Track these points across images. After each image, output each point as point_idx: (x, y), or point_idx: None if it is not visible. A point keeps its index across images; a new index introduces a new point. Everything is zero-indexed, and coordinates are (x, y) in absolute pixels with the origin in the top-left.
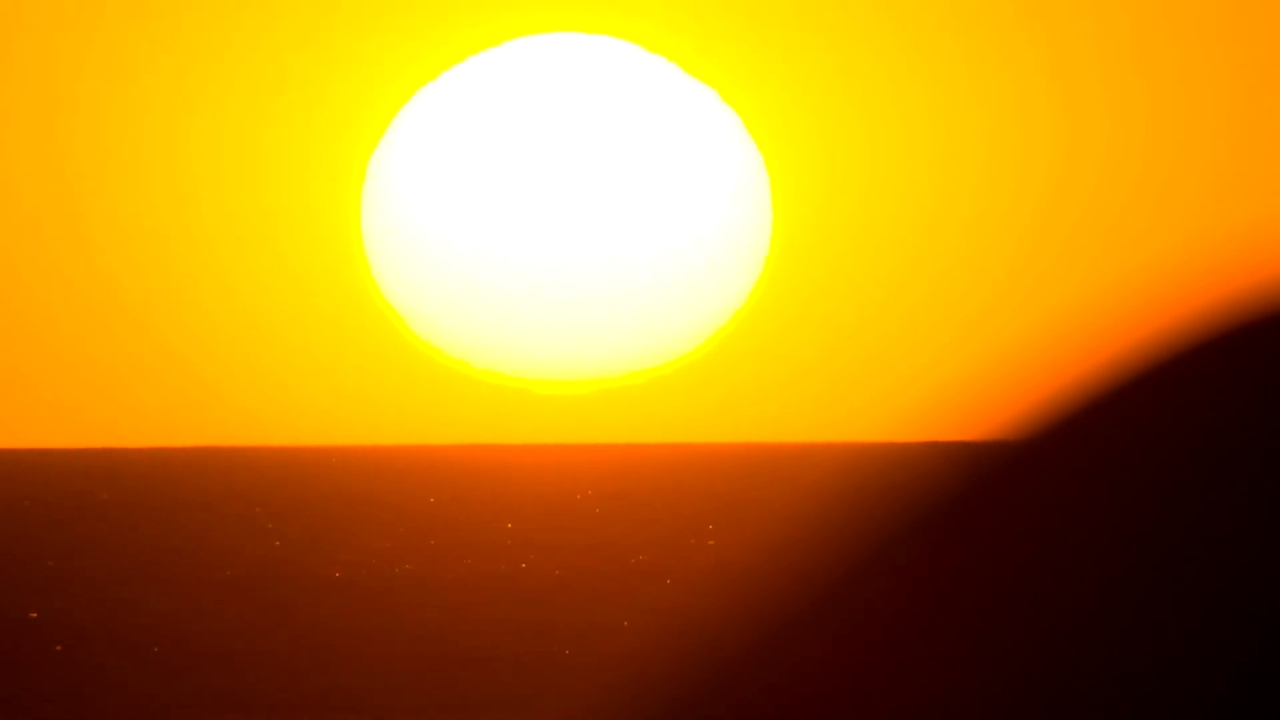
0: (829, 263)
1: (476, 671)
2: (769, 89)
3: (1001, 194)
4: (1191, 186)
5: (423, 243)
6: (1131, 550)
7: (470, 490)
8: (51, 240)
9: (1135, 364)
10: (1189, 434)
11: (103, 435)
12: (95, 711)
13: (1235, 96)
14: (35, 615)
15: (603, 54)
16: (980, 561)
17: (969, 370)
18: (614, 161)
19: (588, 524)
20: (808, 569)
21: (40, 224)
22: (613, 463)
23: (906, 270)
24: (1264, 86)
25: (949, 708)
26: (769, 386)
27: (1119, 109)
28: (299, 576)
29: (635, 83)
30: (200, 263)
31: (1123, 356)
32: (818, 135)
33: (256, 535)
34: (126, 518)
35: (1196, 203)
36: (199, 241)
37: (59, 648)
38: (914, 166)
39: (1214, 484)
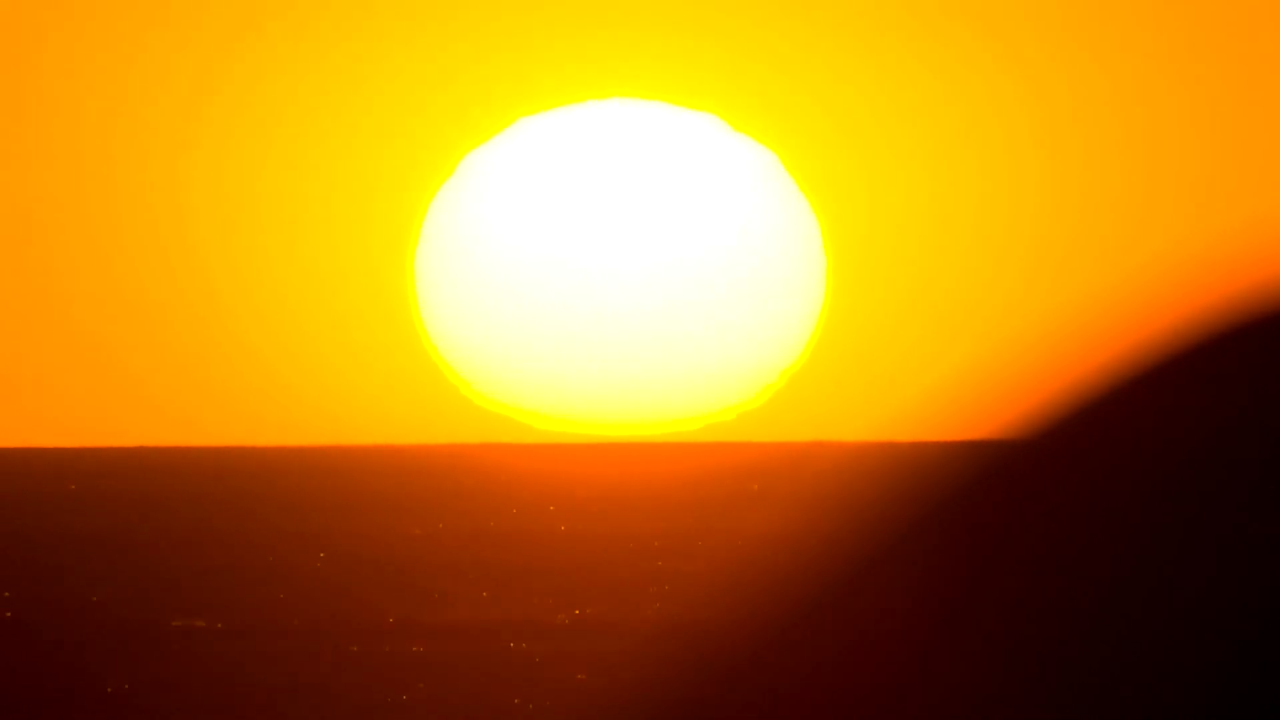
0: (871, 287)
1: (476, 671)
2: (812, 136)
3: (999, 195)
4: (1191, 187)
5: (477, 292)
6: (1132, 548)
7: (482, 489)
8: (100, 247)
9: (1135, 364)
10: (1189, 433)
11: (154, 435)
12: (93, 714)
13: (1236, 97)
14: (35, 617)
15: (656, 118)
16: (983, 559)
17: (972, 370)
18: (665, 217)
19: (593, 523)
20: (813, 569)
21: (89, 230)
22: (622, 461)
23: (919, 269)
24: (1265, 87)
25: (954, 706)
26: (794, 391)
27: (1120, 110)
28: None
29: (687, 143)
30: (254, 292)
31: (1123, 356)
32: (859, 175)
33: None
34: (166, 514)
35: (1196, 203)
36: (258, 273)
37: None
38: (936, 177)
39: (1214, 483)
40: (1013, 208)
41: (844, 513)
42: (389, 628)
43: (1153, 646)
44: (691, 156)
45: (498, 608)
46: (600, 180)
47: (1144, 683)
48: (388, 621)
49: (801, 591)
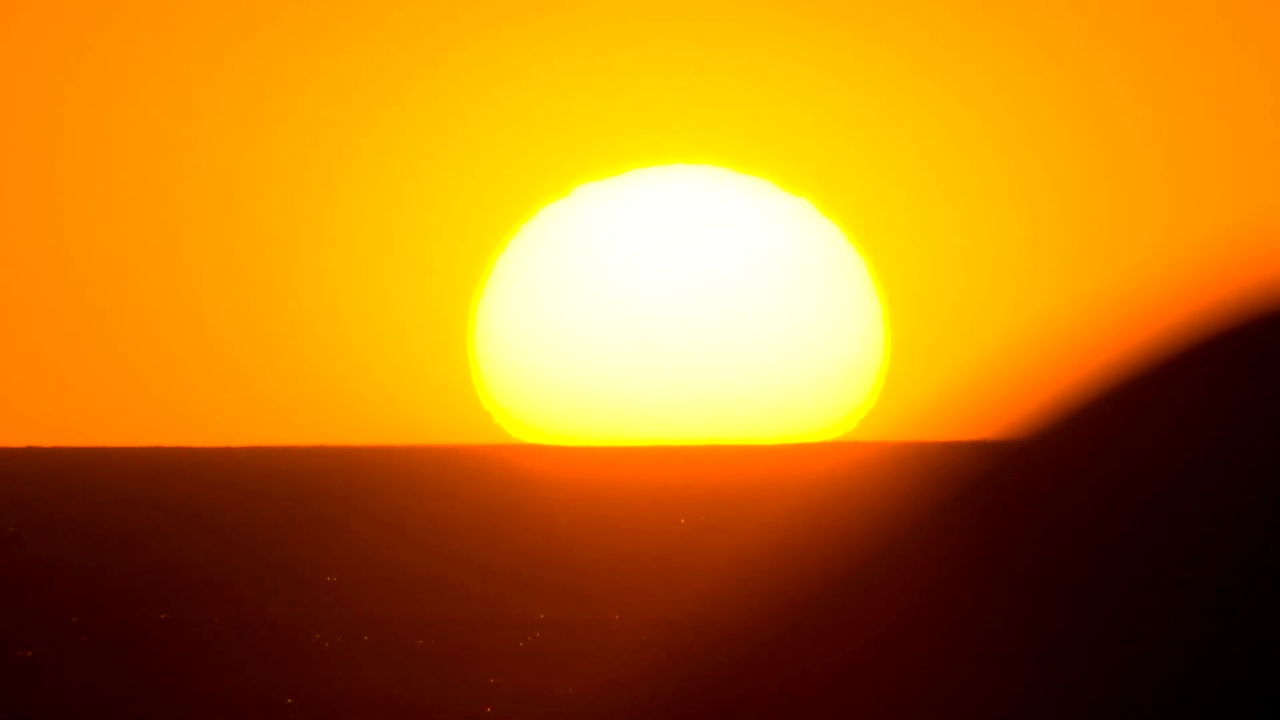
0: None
1: (477, 668)
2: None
3: (997, 196)
4: (1191, 187)
5: (536, 352)
6: (1135, 548)
7: (484, 491)
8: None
9: (1136, 364)
10: (1190, 433)
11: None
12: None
13: (1237, 97)
14: (39, 617)
15: (713, 183)
16: (987, 560)
17: (974, 370)
18: (719, 275)
19: (596, 524)
20: (816, 569)
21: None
22: (617, 464)
23: (919, 264)
24: (1265, 87)
25: (960, 706)
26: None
27: (1121, 108)
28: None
29: (746, 208)
30: (313, 315)
31: (1124, 357)
32: (917, 235)
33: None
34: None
35: (1195, 203)
36: (323, 300)
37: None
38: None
39: (1215, 482)
40: (1011, 210)
41: (850, 514)
42: (373, 621)
43: (1155, 646)
44: (748, 220)
45: (486, 604)
46: (660, 241)
47: (1146, 681)
48: (372, 615)
49: (808, 592)
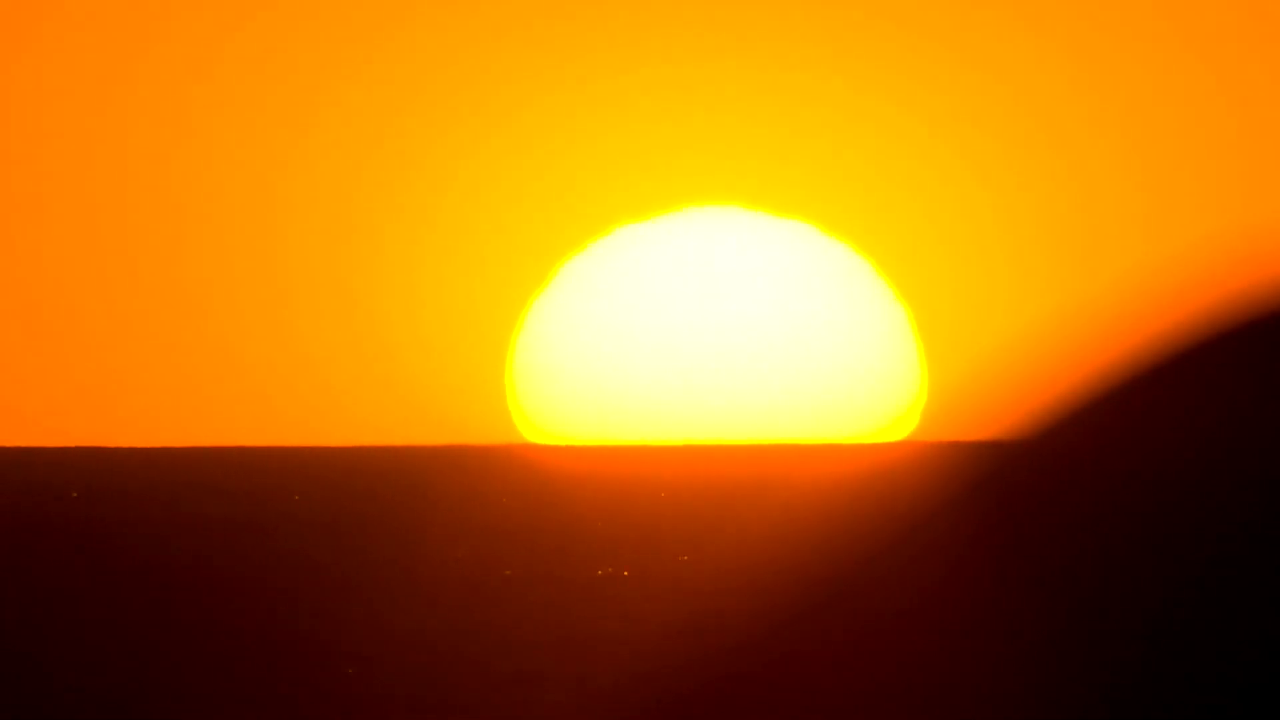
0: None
1: (471, 674)
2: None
3: (995, 195)
4: (1190, 187)
5: (573, 387)
6: (1134, 546)
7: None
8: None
9: (1137, 364)
10: (1189, 433)
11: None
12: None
13: (1237, 98)
14: (36, 621)
15: (753, 225)
16: (986, 558)
17: (975, 370)
18: (755, 319)
19: (596, 526)
20: (814, 570)
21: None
22: (610, 464)
23: (916, 267)
24: (1265, 88)
25: (956, 704)
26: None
27: (1122, 108)
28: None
29: (781, 249)
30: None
31: (1125, 357)
32: (950, 274)
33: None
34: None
35: (1195, 203)
36: (365, 322)
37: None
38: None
39: (1214, 481)
40: (1010, 212)
41: (846, 514)
42: (383, 623)
43: (1153, 644)
44: (787, 263)
45: (482, 613)
46: (695, 284)
47: (1145, 680)
48: (382, 616)
49: (805, 591)
